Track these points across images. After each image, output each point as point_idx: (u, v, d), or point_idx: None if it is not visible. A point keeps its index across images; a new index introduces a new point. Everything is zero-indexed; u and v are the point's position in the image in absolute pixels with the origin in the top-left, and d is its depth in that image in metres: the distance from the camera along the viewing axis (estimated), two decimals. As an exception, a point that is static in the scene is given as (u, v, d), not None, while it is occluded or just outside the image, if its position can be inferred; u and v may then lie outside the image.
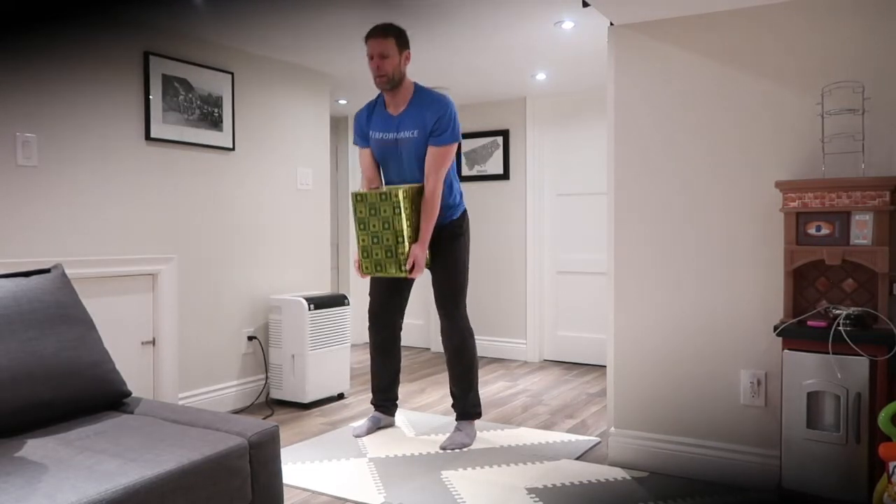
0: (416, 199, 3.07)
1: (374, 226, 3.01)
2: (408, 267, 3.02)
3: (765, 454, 2.70)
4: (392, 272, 3.04)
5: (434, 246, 3.20)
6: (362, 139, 3.26)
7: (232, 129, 3.80)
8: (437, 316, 5.58)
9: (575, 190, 5.14)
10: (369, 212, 3.00)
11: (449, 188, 3.17)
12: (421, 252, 3.05)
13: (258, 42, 3.75)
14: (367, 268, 3.09)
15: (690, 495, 2.63)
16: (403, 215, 2.96)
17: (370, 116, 3.22)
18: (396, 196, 2.94)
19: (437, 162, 3.05)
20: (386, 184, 3.29)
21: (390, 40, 2.99)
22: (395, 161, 3.17)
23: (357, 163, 5.83)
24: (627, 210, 2.97)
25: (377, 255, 3.04)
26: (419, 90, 3.13)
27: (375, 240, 3.02)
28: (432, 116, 3.04)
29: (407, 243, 3.01)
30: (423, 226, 3.07)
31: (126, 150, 3.32)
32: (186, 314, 3.62)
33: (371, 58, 3.02)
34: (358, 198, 3.03)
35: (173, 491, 1.64)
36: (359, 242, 3.08)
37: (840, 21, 2.56)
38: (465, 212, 3.29)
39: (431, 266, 3.24)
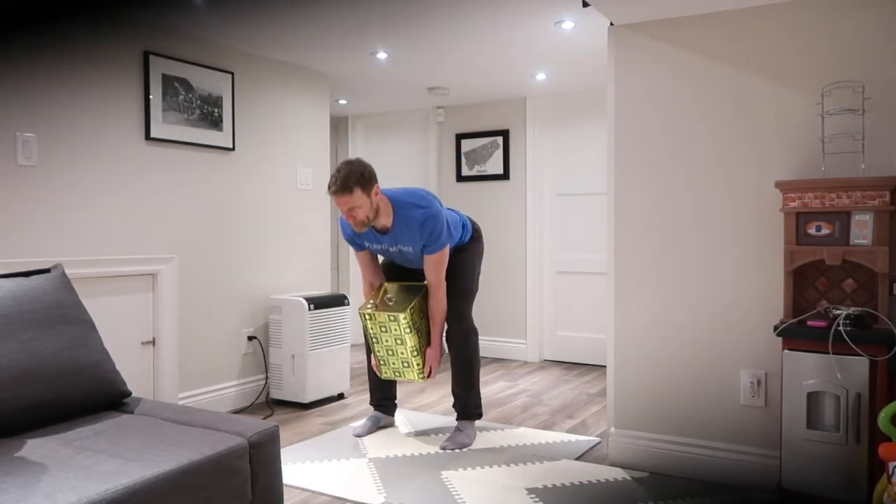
0: (423, 305, 3.15)
1: (386, 340, 3.12)
2: (426, 373, 3.15)
3: (765, 454, 2.70)
4: (412, 378, 3.16)
5: (450, 256, 3.25)
6: (357, 246, 3.22)
7: (232, 129, 3.80)
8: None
9: (575, 190, 5.14)
10: (380, 329, 3.10)
11: (449, 235, 3.15)
12: (435, 354, 3.15)
13: (258, 42, 3.75)
14: (386, 374, 3.21)
15: (690, 495, 2.63)
16: (414, 331, 3.07)
17: (358, 233, 3.16)
18: (406, 317, 3.01)
19: (436, 269, 3.10)
20: (390, 269, 3.38)
21: (356, 193, 2.89)
22: (398, 258, 3.23)
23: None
24: (627, 210, 2.97)
25: (394, 364, 3.17)
26: (398, 207, 3.03)
27: (391, 352, 3.14)
28: (422, 235, 3.02)
29: (421, 353, 3.13)
30: (434, 329, 3.16)
31: (126, 150, 3.32)
32: (186, 314, 3.62)
33: (340, 209, 2.95)
34: (367, 316, 3.09)
35: (173, 491, 1.64)
36: (374, 351, 3.18)
37: (840, 21, 2.56)
38: (474, 231, 3.34)
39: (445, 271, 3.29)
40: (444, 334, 3.27)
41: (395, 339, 3.08)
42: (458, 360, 3.26)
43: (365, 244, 3.20)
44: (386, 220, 3.05)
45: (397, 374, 3.18)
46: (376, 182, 2.97)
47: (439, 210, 3.05)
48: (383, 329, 3.08)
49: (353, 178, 2.88)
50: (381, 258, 3.40)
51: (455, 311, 3.23)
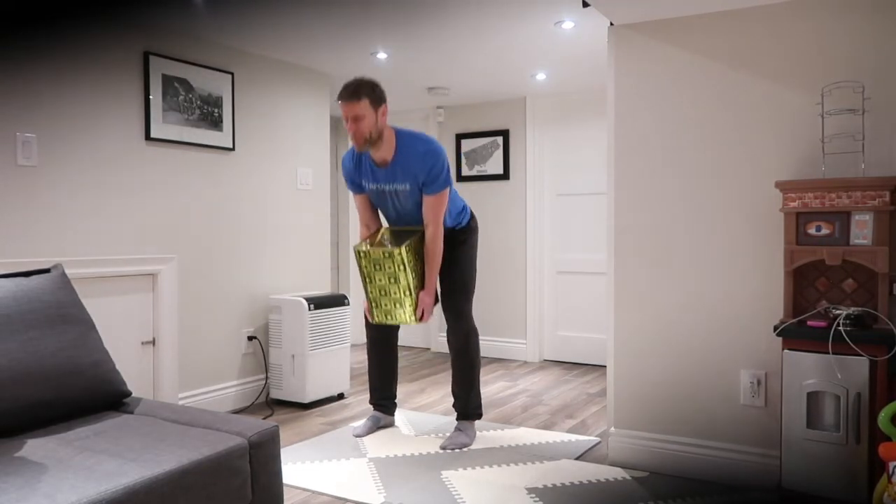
0: (419, 247, 3.10)
1: (380, 280, 3.06)
2: (418, 315, 3.09)
3: (765, 454, 2.70)
4: (404, 320, 3.10)
5: (444, 250, 3.21)
6: (355, 187, 3.22)
7: (232, 129, 3.80)
8: (438, 317, 5.60)
9: (575, 190, 5.14)
10: (374, 267, 3.04)
11: (448, 213, 3.16)
12: (429, 298, 3.09)
13: (258, 42, 3.75)
14: (378, 317, 3.15)
15: (690, 495, 2.63)
16: (408, 269, 3.01)
17: (358, 167, 3.16)
18: (400, 254, 2.96)
19: (434, 210, 3.06)
20: (386, 222, 3.32)
21: (363, 101, 2.90)
22: (393, 206, 3.18)
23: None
24: (627, 210, 2.97)
25: (386, 305, 3.10)
26: (401, 138, 3.04)
27: (383, 292, 3.08)
28: (422, 170, 2.99)
29: (414, 293, 3.06)
30: (429, 273, 3.10)
31: (126, 150, 3.32)
32: (186, 314, 3.62)
33: (346, 119, 2.94)
34: (361, 254, 3.05)
35: (173, 491, 1.64)
36: (366, 293, 3.13)
37: (840, 21, 2.56)
38: (472, 217, 3.32)
39: (440, 270, 3.25)
40: (446, 329, 3.27)
41: (389, 278, 3.01)
42: (459, 360, 3.25)
43: (362, 183, 3.16)
44: (387, 151, 3.03)
45: (388, 316, 3.10)
46: (385, 103, 2.99)
47: (442, 150, 3.04)
48: (377, 267, 3.02)
49: (364, 88, 2.92)
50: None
51: (455, 309, 3.22)
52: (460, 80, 4.66)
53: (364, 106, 2.91)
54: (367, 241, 3.11)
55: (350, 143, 5.71)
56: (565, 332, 5.21)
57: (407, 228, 3.19)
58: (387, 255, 2.98)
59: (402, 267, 2.98)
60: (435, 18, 3.35)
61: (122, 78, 3.29)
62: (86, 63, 3.15)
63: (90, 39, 3.16)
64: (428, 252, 3.08)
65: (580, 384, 4.49)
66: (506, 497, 2.60)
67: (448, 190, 3.08)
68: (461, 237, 3.26)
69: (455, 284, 3.22)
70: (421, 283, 3.11)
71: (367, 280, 3.08)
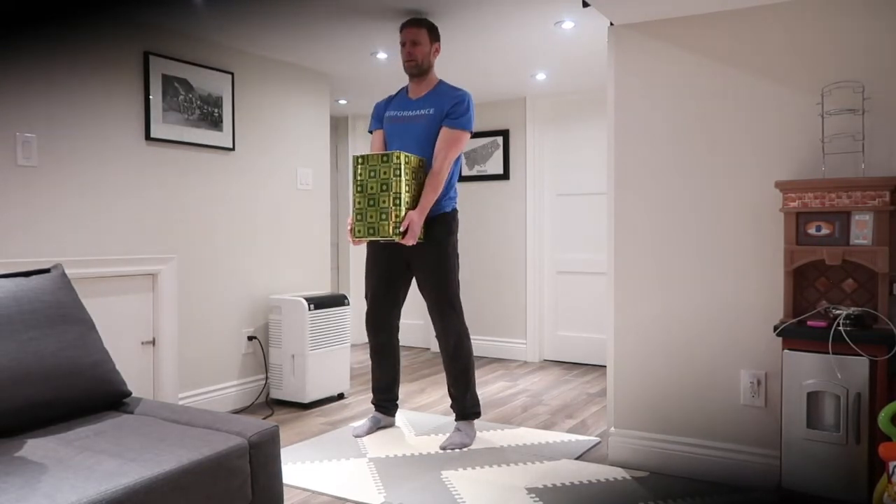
0: (418, 170, 3.10)
1: (371, 188, 3.00)
2: (402, 229, 2.99)
3: (765, 454, 2.70)
4: (386, 233, 2.97)
5: (422, 246, 3.17)
6: (377, 121, 3.35)
7: (232, 129, 3.80)
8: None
9: (575, 190, 5.14)
10: (369, 174, 3.01)
11: (448, 182, 3.19)
12: (418, 220, 3.02)
13: (258, 42, 3.75)
14: (359, 231, 3.04)
15: (690, 495, 2.63)
16: (403, 178, 2.96)
17: (390, 101, 3.34)
18: (398, 158, 2.95)
19: (448, 143, 3.12)
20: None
21: (423, 30, 3.16)
22: (403, 139, 3.19)
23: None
24: (627, 210, 2.97)
25: (371, 217, 3.00)
26: (443, 83, 3.26)
27: (372, 202, 3.00)
28: (450, 101, 3.15)
29: (404, 207, 2.99)
30: (424, 196, 3.08)
31: (126, 150, 3.32)
32: (186, 314, 3.62)
33: (403, 44, 3.17)
34: (359, 160, 3.04)
35: (173, 491, 1.64)
36: (354, 205, 3.05)
37: (840, 21, 2.57)
38: (455, 209, 3.28)
39: (419, 268, 3.20)
40: (434, 333, 3.24)
41: (381, 185, 2.97)
42: (451, 364, 3.22)
43: (387, 113, 3.29)
44: (426, 88, 3.23)
45: (371, 230, 3.00)
46: (440, 42, 3.25)
47: (473, 103, 3.24)
48: (372, 174, 2.99)
49: (426, 22, 3.20)
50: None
51: (444, 310, 3.17)
52: (460, 80, 4.66)
53: (423, 34, 3.16)
54: None
55: (356, 133, 5.68)
56: (565, 332, 5.21)
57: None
58: (384, 158, 2.97)
59: (396, 172, 2.94)
60: (435, 19, 3.35)
61: (122, 78, 3.29)
62: (86, 63, 3.15)
63: (90, 39, 3.16)
64: (430, 178, 3.10)
65: (580, 384, 4.49)
66: (506, 497, 2.60)
67: (466, 135, 3.16)
68: (443, 229, 3.17)
69: (439, 291, 3.16)
70: (413, 204, 3.07)
71: (358, 189, 3.02)
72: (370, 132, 3.39)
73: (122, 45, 3.30)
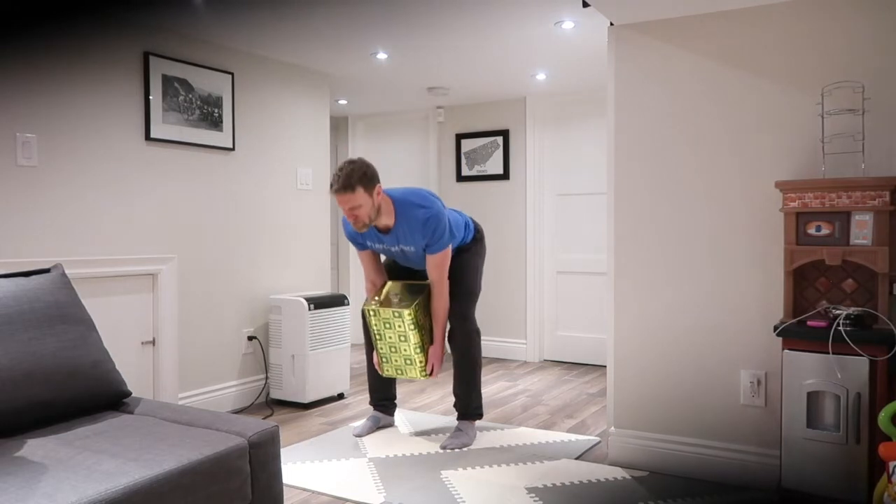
0: (427, 303, 3.15)
1: (390, 338, 3.12)
2: (428, 371, 3.14)
3: (765, 454, 2.70)
4: (414, 376, 3.17)
5: (451, 256, 3.24)
6: (359, 245, 3.23)
7: (232, 129, 3.80)
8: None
9: (575, 190, 5.14)
10: (384, 325, 3.10)
11: (451, 235, 3.15)
12: (437, 352, 3.15)
13: (258, 42, 3.75)
14: (388, 371, 3.21)
15: (690, 495, 2.63)
16: (418, 328, 3.06)
17: (359, 233, 3.15)
18: (410, 314, 3.02)
19: (438, 268, 3.11)
20: (393, 269, 3.39)
21: (358, 191, 2.89)
22: (400, 258, 3.23)
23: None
24: (627, 210, 2.97)
25: (397, 361, 3.17)
26: (399, 205, 3.03)
27: (394, 349, 3.14)
28: (424, 235, 3.03)
29: (424, 352, 3.12)
30: (436, 329, 3.16)
31: (126, 150, 3.32)
32: (186, 314, 3.62)
33: (342, 208, 2.94)
34: (371, 313, 3.10)
35: (173, 491, 1.64)
36: (377, 348, 3.18)
37: (840, 21, 2.56)
38: (476, 230, 3.35)
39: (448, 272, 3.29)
40: (447, 334, 3.27)
41: (399, 336, 3.08)
42: (461, 361, 3.26)
43: (367, 243, 3.20)
44: (388, 219, 3.05)
45: (399, 371, 3.18)
46: (378, 182, 2.97)
47: (441, 210, 3.05)
48: (387, 326, 3.08)
49: (355, 177, 2.88)
50: (383, 257, 3.41)
51: (459, 312, 3.23)
52: (460, 80, 4.66)
53: (359, 195, 2.90)
54: (375, 298, 3.16)
55: (355, 141, 5.68)
56: (565, 332, 5.21)
57: (414, 283, 3.23)
58: (396, 315, 3.04)
59: (412, 327, 3.04)
60: (435, 18, 3.35)
61: (122, 78, 3.29)
62: (86, 63, 3.15)
63: (90, 39, 3.16)
64: (435, 310, 3.15)
65: (580, 384, 4.49)
66: (506, 497, 2.60)
67: (450, 248, 3.12)
68: (467, 246, 3.30)
69: (461, 289, 3.24)
70: (430, 338, 3.17)
71: (377, 338, 3.15)
72: (356, 248, 3.26)
73: (122, 46, 3.30)
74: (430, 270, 3.12)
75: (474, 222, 3.38)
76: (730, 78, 2.76)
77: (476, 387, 3.29)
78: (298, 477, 2.82)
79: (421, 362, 3.12)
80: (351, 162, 2.94)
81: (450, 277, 3.24)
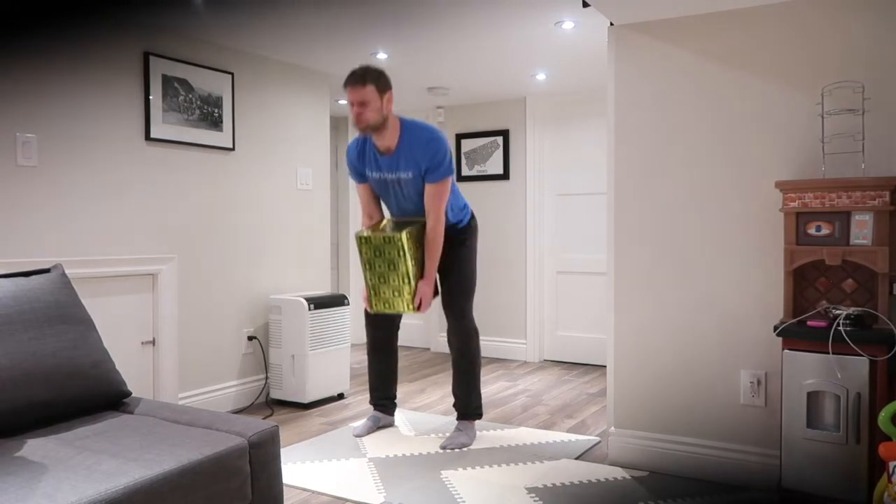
0: (420, 236, 3.11)
1: (380, 266, 3.07)
2: (416, 304, 3.08)
3: (765, 454, 2.70)
4: (401, 309, 3.10)
5: (443, 250, 3.21)
6: (358, 176, 3.24)
7: (232, 129, 3.80)
8: (438, 317, 5.60)
9: (575, 190, 5.14)
10: (374, 253, 3.05)
11: (450, 207, 3.17)
12: (427, 288, 3.09)
13: (258, 42, 3.75)
14: (376, 305, 3.15)
15: (690, 495, 2.63)
16: (408, 256, 3.01)
17: (362, 155, 3.18)
18: (400, 240, 2.97)
19: (435, 199, 3.06)
20: (389, 215, 3.33)
21: (369, 87, 2.92)
22: (395, 196, 3.19)
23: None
24: (627, 210, 2.97)
25: (385, 293, 3.11)
26: (406, 127, 3.06)
27: (382, 279, 3.08)
28: (423, 157, 3.00)
29: (413, 282, 3.06)
30: (428, 263, 3.10)
31: (126, 150, 3.32)
32: (186, 314, 3.62)
33: (351, 105, 2.96)
34: (363, 240, 3.07)
35: (173, 491, 1.64)
36: (366, 280, 3.13)
37: (840, 21, 2.56)
38: (472, 217, 3.33)
39: (440, 269, 3.26)
40: (446, 330, 3.27)
41: (388, 265, 3.03)
42: (460, 361, 3.26)
43: (365, 171, 3.18)
44: (391, 139, 3.04)
45: (387, 305, 3.11)
46: (391, 89, 3.01)
47: (446, 141, 3.05)
48: (377, 254, 3.04)
49: (370, 74, 2.95)
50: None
51: (457, 308, 3.22)
52: (460, 80, 4.66)
53: (370, 91, 2.93)
54: (370, 229, 3.13)
55: (355, 133, 5.70)
56: (565, 332, 5.21)
57: (409, 219, 3.19)
58: (387, 240, 2.99)
59: (401, 253, 2.98)
60: (435, 18, 3.35)
61: (122, 78, 3.29)
62: (86, 63, 3.15)
63: (90, 39, 3.16)
64: (428, 241, 3.09)
65: (580, 384, 4.49)
66: (506, 497, 2.60)
67: (450, 180, 3.09)
68: (461, 237, 3.26)
69: (456, 286, 3.23)
70: (420, 272, 3.11)
71: (367, 267, 3.09)
72: (351, 178, 3.29)
73: (122, 46, 3.30)
74: (427, 201, 3.06)
75: (472, 211, 3.36)
76: (730, 78, 2.76)
77: (475, 386, 3.28)
78: (298, 477, 2.82)
79: (409, 294, 3.05)
80: (367, 63, 3.03)
81: (445, 272, 3.23)
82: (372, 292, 3.13)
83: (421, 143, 3.01)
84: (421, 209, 3.15)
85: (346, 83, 2.96)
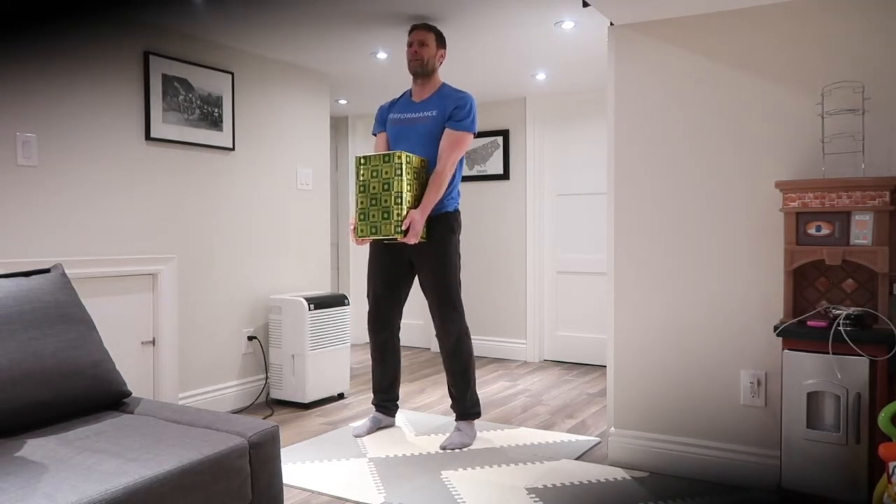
0: (420, 170, 3.13)
1: (374, 188, 3.05)
2: (404, 227, 3.01)
3: (765, 454, 2.70)
4: (388, 232, 3.02)
5: (429, 235, 3.18)
6: (380, 124, 3.39)
7: (232, 129, 3.80)
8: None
9: (575, 190, 5.14)
10: (371, 174, 3.06)
11: (451, 182, 3.20)
12: (419, 218, 3.05)
13: (258, 42, 3.75)
14: (362, 230, 3.09)
15: (690, 495, 2.63)
16: (404, 177, 3.00)
17: (394, 103, 3.37)
18: (399, 158, 2.99)
19: (452, 145, 3.15)
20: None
21: (431, 34, 3.23)
22: (407, 140, 3.23)
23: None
24: (627, 210, 2.97)
25: (374, 216, 3.05)
26: (446, 86, 3.29)
27: (374, 202, 3.05)
28: (453, 103, 3.18)
29: (405, 206, 3.02)
30: (427, 196, 3.11)
31: (126, 150, 3.32)
32: (186, 314, 3.62)
33: (410, 45, 3.22)
34: (362, 160, 3.08)
35: (173, 491, 1.64)
36: (357, 205, 3.10)
37: (840, 21, 2.57)
38: (458, 209, 3.29)
39: (421, 267, 3.21)
40: (434, 332, 3.25)
41: (383, 185, 3.02)
42: (451, 363, 3.23)
43: (390, 115, 3.33)
44: (430, 90, 3.27)
45: (374, 229, 3.06)
46: (445, 50, 3.34)
47: (476, 104, 3.29)
48: (374, 175, 3.04)
49: (435, 28, 3.27)
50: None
51: (445, 309, 3.17)
52: (460, 81, 4.66)
53: (431, 37, 3.23)
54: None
55: (355, 134, 5.69)
56: (565, 332, 5.21)
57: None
58: (386, 158, 3.02)
59: (398, 171, 2.98)
60: (435, 18, 3.35)
61: (122, 78, 3.29)
62: (86, 63, 3.15)
63: (90, 39, 3.16)
64: (434, 178, 3.13)
65: (580, 384, 4.49)
66: (506, 497, 2.60)
67: (469, 138, 3.19)
68: (445, 228, 3.19)
69: (440, 290, 3.17)
70: (415, 203, 3.10)
71: (360, 190, 3.08)
72: (374, 135, 3.44)
73: (122, 45, 3.30)
74: (442, 143, 3.15)
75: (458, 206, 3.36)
76: (730, 78, 2.76)
77: (470, 386, 3.27)
78: (298, 477, 2.82)
79: (398, 216, 2.99)
80: None
81: (427, 278, 3.19)
82: (360, 216, 3.08)
83: (454, 94, 3.22)
84: (431, 158, 3.20)
85: (413, 27, 3.24)
